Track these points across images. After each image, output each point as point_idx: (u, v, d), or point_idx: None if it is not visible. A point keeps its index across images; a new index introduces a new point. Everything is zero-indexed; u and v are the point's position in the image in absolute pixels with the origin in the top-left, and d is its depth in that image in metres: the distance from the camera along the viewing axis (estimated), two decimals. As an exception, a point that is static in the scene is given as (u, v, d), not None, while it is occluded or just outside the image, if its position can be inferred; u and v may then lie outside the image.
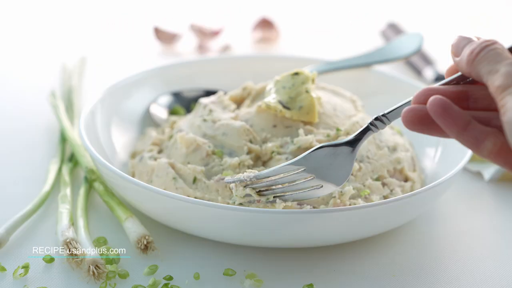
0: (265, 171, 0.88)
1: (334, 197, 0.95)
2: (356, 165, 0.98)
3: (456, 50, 0.77)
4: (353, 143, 0.85)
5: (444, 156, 1.09)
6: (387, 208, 0.91)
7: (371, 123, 0.84)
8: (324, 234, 0.93)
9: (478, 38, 0.76)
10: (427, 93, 0.76)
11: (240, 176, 0.89)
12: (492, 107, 0.75)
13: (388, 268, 0.95)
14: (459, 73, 0.78)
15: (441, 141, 1.11)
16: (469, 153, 1.00)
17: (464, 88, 0.77)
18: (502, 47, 0.74)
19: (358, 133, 0.85)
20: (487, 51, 0.73)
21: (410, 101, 0.78)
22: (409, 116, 0.76)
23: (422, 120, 0.76)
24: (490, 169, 1.14)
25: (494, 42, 0.74)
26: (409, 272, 0.95)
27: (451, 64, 0.80)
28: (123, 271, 0.92)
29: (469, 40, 0.76)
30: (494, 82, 0.71)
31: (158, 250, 0.96)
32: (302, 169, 0.87)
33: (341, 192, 0.95)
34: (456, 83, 0.78)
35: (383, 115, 0.83)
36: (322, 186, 0.87)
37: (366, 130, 0.85)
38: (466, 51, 0.75)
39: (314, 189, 0.87)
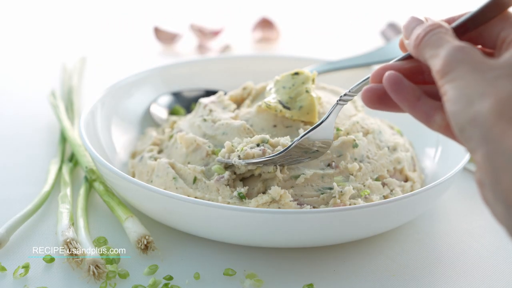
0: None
1: (334, 197, 0.95)
2: (356, 165, 0.98)
3: (406, 32, 0.78)
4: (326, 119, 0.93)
5: (444, 156, 1.09)
6: (387, 208, 0.91)
7: (338, 100, 0.90)
8: (324, 234, 0.93)
9: (427, 19, 0.77)
10: (383, 71, 0.79)
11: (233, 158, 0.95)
12: None
13: (388, 268, 0.95)
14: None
15: (441, 141, 1.11)
16: (469, 153, 1.00)
17: (418, 63, 0.79)
18: (446, 30, 0.75)
19: (329, 111, 0.92)
20: (431, 35, 0.74)
21: (368, 77, 0.81)
22: (368, 95, 0.79)
23: (380, 98, 0.78)
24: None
25: (438, 26, 0.75)
26: (409, 272, 0.95)
27: (403, 35, 0.81)
28: (123, 271, 0.92)
29: (418, 22, 0.77)
30: (434, 67, 0.72)
31: (158, 250, 0.96)
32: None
33: (341, 192, 0.95)
34: (410, 58, 0.80)
35: (345, 94, 0.88)
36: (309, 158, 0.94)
37: (335, 106, 0.91)
38: (413, 36, 0.76)
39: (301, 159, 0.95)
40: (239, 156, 0.96)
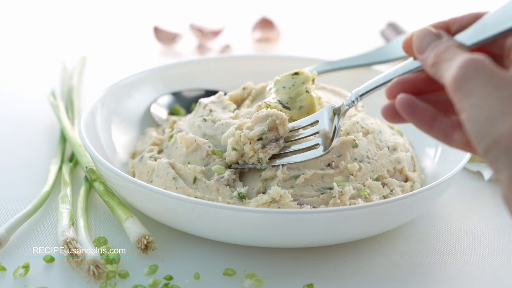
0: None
1: (334, 197, 0.95)
2: (356, 165, 0.98)
3: (420, 47, 0.77)
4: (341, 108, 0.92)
5: (444, 156, 1.09)
6: (387, 208, 0.91)
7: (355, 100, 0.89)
8: (324, 234, 0.93)
9: (441, 35, 0.76)
10: (398, 86, 0.79)
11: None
12: None
13: (388, 268, 0.95)
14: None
15: (441, 141, 1.11)
16: (469, 153, 1.00)
17: None
18: (458, 44, 0.74)
19: (347, 103, 0.90)
20: (444, 52, 0.74)
21: (383, 82, 0.82)
22: (388, 113, 0.79)
23: (399, 114, 0.78)
24: (490, 169, 1.14)
25: (453, 45, 0.74)
26: (409, 272, 0.95)
27: (407, 37, 0.80)
28: (123, 271, 0.92)
29: (433, 38, 0.76)
30: (447, 80, 0.72)
31: (158, 250, 0.96)
32: (317, 121, 0.94)
33: (341, 192, 0.95)
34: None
35: (358, 97, 0.88)
36: (318, 146, 0.93)
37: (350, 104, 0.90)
38: (431, 55, 0.75)
39: (308, 151, 0.94)
40: (259, 159, 0.96)
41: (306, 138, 0.96)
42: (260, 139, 0.96)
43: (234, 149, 0.97)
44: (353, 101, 0.88)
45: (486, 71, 0.69)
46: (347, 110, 0.91)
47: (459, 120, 0.75)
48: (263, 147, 0.96)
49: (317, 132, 0.94)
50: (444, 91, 0.79)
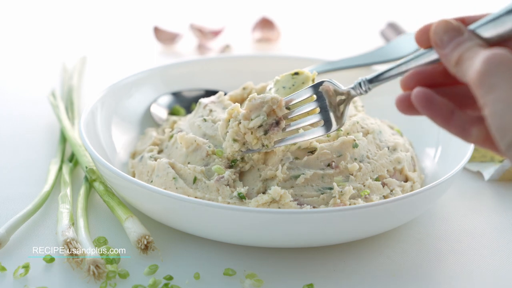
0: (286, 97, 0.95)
1: (334, 197, 0.95)
2: (356, 165, 0.98)
3: (441, 42, 0.76)
4: (350, 93, 0.91)
5: (444, 156, 1.09)
6: (387, 208, 0.91)
7: (359, 85, 0.89)
8: (324, 234, 0.93)
9: (462, 31, 0.75)
10: (414, 77, 0.78)
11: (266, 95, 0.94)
12: None
13: (388, 268, 0.95)
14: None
15: (441, 141, 1.11)
16: (469, 153, 1.00)
17: None
18: (480, 42, 0.73)
19: (353, 86, 0.90)
20: (467, 51, 0.73)
21: (397, 68, 0.81)
22: (401, 105, 0.78)
23: (414, 106, 0.77)
24: (490, 169, 1.14)
25: (475, 44, 0.73)
26: (409, 272, 0.95)
27: (421, 28, 0.79)
28: (123, 271, 0.92)
29: (454, 34, 0.75)
30: (470, 76, 0.71)
31: (158, 250, 0.96)
32: (313, 94, 0.92)
33: (341, 192, 0.95)
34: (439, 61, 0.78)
35: (369, 81, 0.87)
36: (323, 124, 0.92)
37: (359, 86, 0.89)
38: (454, 54, 0.74)
39: (311, 130, 0.94)
40: (263, 144, 0.95)
41: (305, 113, 0.94)
42: (260, 125, 0.95)
43: (235, 140, 0.96)
44: (361, 86, 0.88)
45: (510, 65, 0.68)
46: (354, 96, 0.90)
47: (477, 115, 0.74)
48: (265, 133, 0.95)
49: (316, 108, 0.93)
50: (461, 85, 0.77)
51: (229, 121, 0.96)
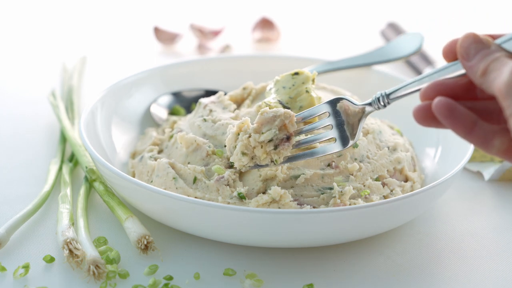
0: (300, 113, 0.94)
1: (334, 197, 0.95)
2: (356, 165, 0.98)
3: (467, 54, 0.76)
4: (365, 109, 0.89)
5: (444, 156, 1.09)
6: (387, 208, 0.91)
7: (377, 100, 0.87)
8: (324, 234, 0.93)
9: (490, 43, 0.75)
10: (435, 88, 0.77)
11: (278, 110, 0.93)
12: None
13: (388, 268, 0.95)
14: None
15: (441, 141, 1.11)
16: (469, 153, 1.00)
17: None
18: (508, 53, 0.73)
19: (370, 102, 0.88)
20: (493, 62, 0.73)
21: (419, 81, 0.80)
22: (420, 115, 0.77)
23: (433, 117, 0.76)
24: (490, 169, 1.14)
25: (502, 55, 0.73)
26: (409, 272, 0.95)
27: (448, 43, 0.79)
28: (123, 271, 0.92)
29: (481, 46, 0.75)
30: (496, 87, 0.70)
31: (158, 250, 0.96)
32: (327, 112, 0.91)
33: (341, 192, 0.95)
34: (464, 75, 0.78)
35: (387, 96, 0.85)
36: (335, 141, 0.91)
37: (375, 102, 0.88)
38: (480, 65, 0.74)
39: (325, 144, 0.93)
40: (274, 161, 0.94)
41: (315, 130, 0.94)
42: (270, 140, 0.94)
43: (244, 153, 0.94)
44: (379, 101, 0.86)
45: None
46: (370, 112, 0.89)
47: (499, 127, 0.73)
48: (275, 147, 0.94)
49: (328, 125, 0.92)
50: (482, 101, 0.77)
51: (239, 134, 0.95)
